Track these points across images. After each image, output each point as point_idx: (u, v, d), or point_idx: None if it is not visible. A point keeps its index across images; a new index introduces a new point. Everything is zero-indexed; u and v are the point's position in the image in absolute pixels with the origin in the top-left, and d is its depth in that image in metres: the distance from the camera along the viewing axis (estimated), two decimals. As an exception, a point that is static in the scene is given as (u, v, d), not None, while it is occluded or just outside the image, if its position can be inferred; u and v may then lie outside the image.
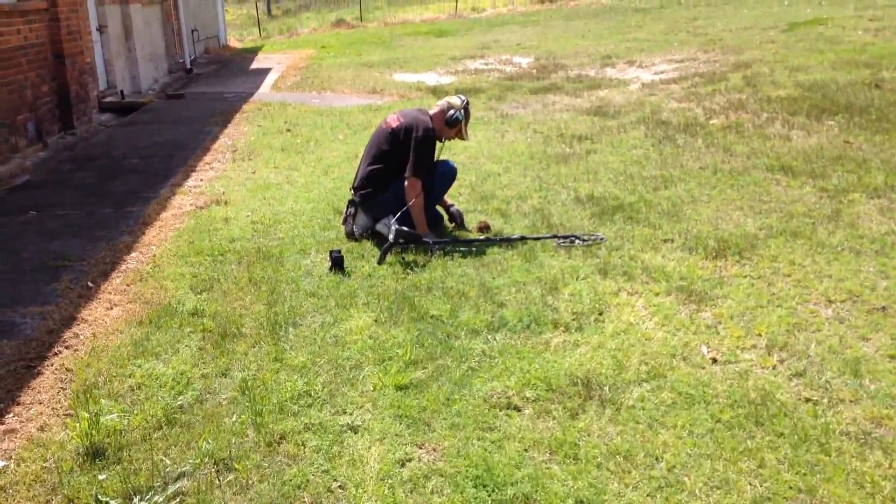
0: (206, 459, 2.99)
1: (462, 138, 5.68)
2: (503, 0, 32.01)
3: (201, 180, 7.28)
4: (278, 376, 3.59)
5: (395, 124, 5.43)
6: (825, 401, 3.26)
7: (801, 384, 3.39)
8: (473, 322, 4.06)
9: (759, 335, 3.82)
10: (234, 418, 3.26)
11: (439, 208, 5.65)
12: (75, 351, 3.92)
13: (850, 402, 3.25)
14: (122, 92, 12.36)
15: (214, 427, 3.19)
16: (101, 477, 2.90)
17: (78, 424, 3.11)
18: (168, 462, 2.99)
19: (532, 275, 4.62)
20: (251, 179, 7.16)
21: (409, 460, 2.98)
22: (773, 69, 11.46)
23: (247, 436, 3.15)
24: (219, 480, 2.89)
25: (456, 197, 5.97)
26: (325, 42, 22.18)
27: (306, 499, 2.80)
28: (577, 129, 8.62)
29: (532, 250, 4.99)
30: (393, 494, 2.79)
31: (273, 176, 7.23)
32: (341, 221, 5.55)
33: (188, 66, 16.72)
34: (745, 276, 4.48)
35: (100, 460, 3.00)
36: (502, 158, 7.43)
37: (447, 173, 5.54)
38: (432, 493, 2.80)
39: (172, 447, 3.07)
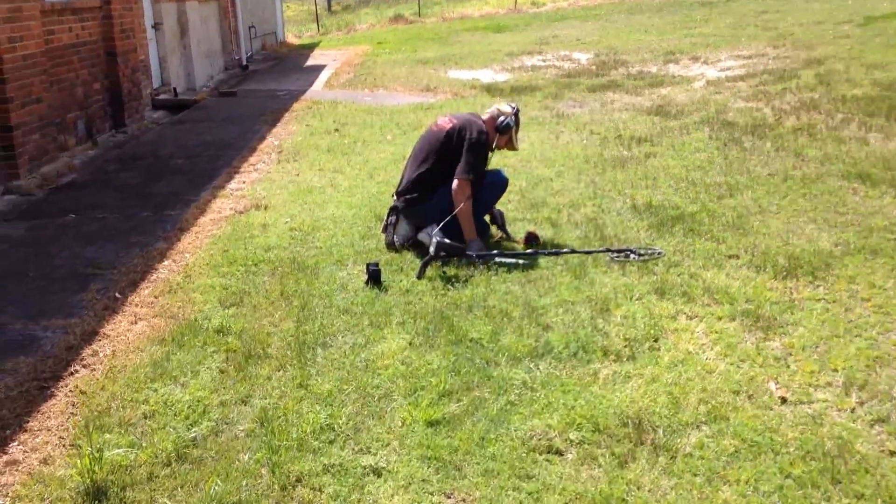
0: None
1: (512, 148, 5.35)
2: (564, -6, 31.40)
3: (244, 182, 7.08)
4: (301, 406, 3.32)
5: (447, 126, 5.14)
6: (914, 454, 2.85)
7: (885, 433, 2.98)
8: (516, 347, 3.72)
9: (835, 370, 3.40)
10: (248, 456, 2.99)
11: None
12: (92, 371, 3.71)
13: (944, 456, 2.84)
14: (174, 89, 12.31)
15: (227, 465, 2.93)
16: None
17: (79, 461, 2.88)
18: (173, 504, 2.74)
19: (582, 293, 4.27)
20: (294, 182, 6.93)
21: (436, 512, 2.67)
22: (848, 66, 10.82)
23: (261, 476, 2.88)
24: (225, 529, 2.62)
25: (504, 204, 5.63)
26: (382, 38, 21.99)
27: (318, 555, 2.51)
28: (636, 129, 8.19)
29: (583, 265, 4.63)
30: (414, 554, 2.49)
31: (316, 179, 6.99)
32: (381, 230, 5.27)
33: (244, 63, 16.69)
34: (819, 300, 4.05)
35: (100, 502, 2.76)
36: (556, 162, 7.06)
37: (497, 183, 5.22)
38: (459, 553, 2.49)
39: (179, 488, 2.82)
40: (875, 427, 3.02)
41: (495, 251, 4.85)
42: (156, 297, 4.54)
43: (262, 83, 14.13)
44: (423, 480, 2.82)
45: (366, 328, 4.02)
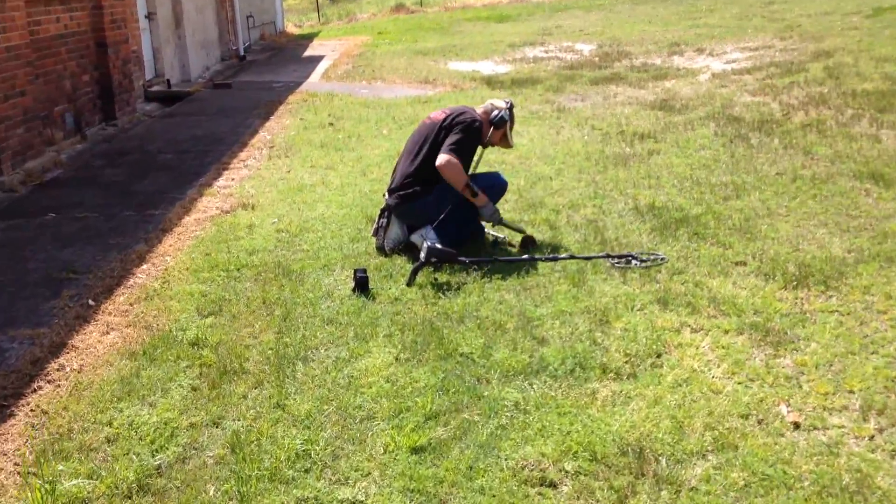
0: (176, 542, 2.51)
1: (507, 145, 5.11)
2: (567, -16, 31.02)
3: (232, 180, 6.84)
4: (276, 429, 3.08)
5: (441, 118, 4.91)
6: (939, 489, 2.61)
7: (908, 464, 2.74)
8: (509, 363, 3.49)
9: (852, 392, 3.16)
10: (215, 488, 2.76)
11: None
12: (57, 387, 3.48)
13: (972, 492, 2.60)
14: (168, 81, 12.05)
15: (191, 497, 2.70)
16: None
17: (30, 494, 2.65)
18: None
19: (580, 303, 4.03)
20: (284, 180, 6.69)
21: (416, 554, 2.45)
22: (857, 59, 10.53)
23: (228, 511, 2.65)
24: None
25: (501, 204, 5.36)
26: (383, 28, 21.69)
27: None
28: (639, 125, 7.93)
29: (582, 272, 4.39)
30: None
31: (307, 176, 6.74)
32: (372, 233, 5.02)
33: (241, 54, 16.41)
34: (833, 312, 3.81)
35: (51, 540, 2.53)
36: (555, 159, 6.81)
37: (496, 187, 4.98)
38: None
39: (138, 525, 2.59)
40: (896, 458, 2.78)
41: (490, 257, 4.60)
42: (131, 305, 4.31)
43: (259, 74, 13.87)
44: (404, 517, 2.59)
45: (350, 341, 3.79)
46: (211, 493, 2.73)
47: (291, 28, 24.47)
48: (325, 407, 3.23)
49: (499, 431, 3.01)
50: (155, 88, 11.64)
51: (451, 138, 4.74)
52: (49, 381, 3.53)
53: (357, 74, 12.93)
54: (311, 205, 5.92)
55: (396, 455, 2.89)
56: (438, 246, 4.45)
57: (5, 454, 3.02)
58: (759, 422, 3.00)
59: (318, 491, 2.71)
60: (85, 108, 9.15)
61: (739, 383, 3.27)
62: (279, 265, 4.73)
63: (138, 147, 8.24)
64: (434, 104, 9.54)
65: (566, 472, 2.77)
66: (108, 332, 3.99)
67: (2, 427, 3.19)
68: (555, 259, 4.55)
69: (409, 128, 8.19)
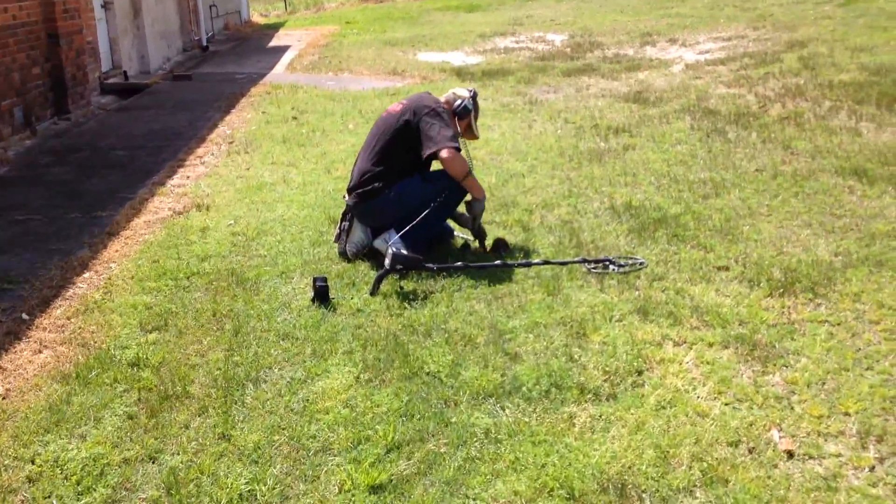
0: None
1: (472, 136, 4.82)
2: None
3: (188, 178, 6.49)
4: (220, 465, 2.78)
5: (399, 109, 4.61)
6: (950, 528, 2.38)
7: (914, 499, 2.50)
8: (479, 383, 3.21)
9: (847, 414, 2.92)
10: (147, 537, 2.46)
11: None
12: (-22, 417, 3.15)
13: None
14: (125, 73, 11.60)
15: (120, 549, 2.40)
16: None
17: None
18: None
19: (555, 314, 3.75)
20: (243, 178, 6.35)
21: None
22: (832, 49, 10.37)
23: (160, 565, 2.35)
24: None
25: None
26: (351, 17, 21.26)
27: None
28: (613, 118, 7.68)
29: (557, 278, 4.12)
30: None
31: (268, 174, 6.41)
32: (334, 238, 4.71)
33: (204, 44, 15.93)
34: (822, 322, 3.57)
35: None
36: (528, 155, 6.53)
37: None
38: None
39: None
40: (900, 491, 2.54)
41: (459, 263, 4.31)
42: (68, 319, 3.96)
43: (221, 66, 13.43)
44: (360, 570, 2.31)
45: (307, 359, 3.49)
46: (142, 544, 2.43)
47: (257, 17, 23.95)
48: (276, 437, 2.93)
49: (467, 465, 2.73)
50: (111, 81, 11.20)
51: (434, 130, 4.41)
52: (-30, 410, 3.19)
53: (323, 65, 12.56)
54: (270, 205, 5.60)
55: (353, 495, 2.60)
56: (404, 252, 4.16)
57: (-88, 499, 2.69)
58: (751, 450, 2.74)
59: (264, 540, 2.42)
60: (35, 101, 8.72)
61: (727, 404, 3.02)
62: (233, 273, 4.41)
63: (90, 143, 7.83)
64: (402, 96, 9.20)
65: (541, 512, 2.50)
66: (40, 351, 3.65)
67: (-88, 466, 2.85)
68: (528, 265, 4.28)
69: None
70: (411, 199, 4.42)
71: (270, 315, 3.90)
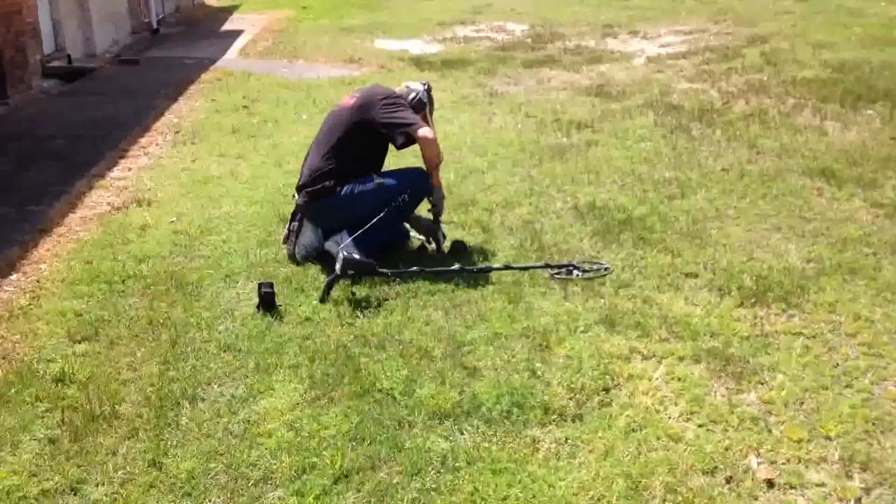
0: None
1: (427, 129, 4.57)
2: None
3: (129, 170, 6.13)
4: (149, 497, 2.51)
5: (352, 101, 4.36)
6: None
7: (902, 535, 2.34)
8: (436, 401, 2.98)
9: (829, 438, 2.75)
10: (60, 588, 2.18)
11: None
12: None
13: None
14: (69, 56, 11.09)
15: None
16: None
17: None
18: None
19: (517, 324, 3.53)
20: (188, 170, 6.01)
21: None
22: (793, 45, 10.29)
23: None
24: None
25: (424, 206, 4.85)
26: (307, 2, 20.76)
27: None
28: (575, 112, 7.47)
29: (518, 284, 3.91)
30: None
31: (215, 166, 6.08)
32: (283, 239, 4.43)
33: (154, 27, 15.37)
34: (797, 335, 3.40)
35: None
36: (487, 150, 6.30)
37: (421, 187, 4.40)
38: None
39: None
40: (888, 527, 2.37)
41: (415, 267, 4.06)
42: (-11, 328, 3.64)
43: (171, 50, 12.95)
44: None
45: (250, 373, 3.22)
46: None
47: (211, 0, 23.30)
48: (213, 465, 2.66)
49: (422, 497, 2.49)
50: (54, 64, 10.68)
51: (400, 116, 4.17)
52: None
53: (277, 51, 12.16)
54: (216, 200, 5.29)
55: (296, 534, 2.35)
56: (356, 256, 3.90)
57: None
58: (728, 479, 2.55)
59: (195, 589, 2.16)
60: (-30, 85, 8.26)
61: (700, 426, 2.83)
62: (173, 276, 4.11)
63: (28, 131, 7.40)
64: (359, 85, 8.90)
65: (503, 553, 2.28)
66: (-45, 365, 3.33)
67: None
68: (489, 270, 4.05)
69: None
70: (366, 199, 4.16)
71: (211, 324, 3.62)
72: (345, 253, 3.89)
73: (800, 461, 2.64)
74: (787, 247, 4.25)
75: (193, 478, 2.60)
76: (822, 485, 2.53)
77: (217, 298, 3.88)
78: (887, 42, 9.87)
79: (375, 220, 4.08)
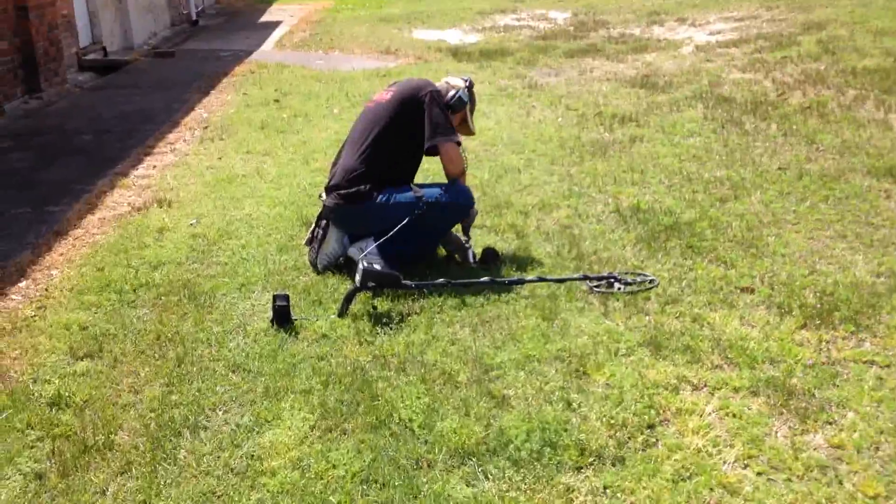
0: None
1: (468, 132, 4.25)
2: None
3: (154, 167, 5.93)
4: (135, 548, 2.25)
5: (388, 96, 4.07)
6: None
7: None
8: (458, 437, 2.67)
9: (910, 492, 2.39)
10: None
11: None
12: None
13: None
14: (104, 49, 10.98)
15: None
16: None
17: None
18: None
19: (551, 345, 3.21)
20: (213, 168, 5.79)
21: None
22: (852, 32, 9.75)
23: None
24: None
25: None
26: (347, -9, 20.55)
27: None
28: (619, 105, 7.10)
29: (553, 298, 3.58)
30: None
31: (241, 164, 5.85)
32: (305, 242, 4.16)
33: (194, 18, 15.29)
34: (868, 362, 3.03)
35: None
36: (525, 146, 5.96)
37: (459, 207, 4.06)
38: None
39: None
40: None
41: (441, 279, 3.74)
42: (-11, 342, 3.43)
43: (208, 42, 12.81)
44: None
45: (258, 398, 2.95)
46: None
47: (252, -10, 23.20)
48: (209, 509, 2.40)
49: (438, 556, 2.20)
50: (90, 57, 10.58)
51: (436, 120, 3.89)
52: None
53: (314, 43, 11.94)
54: (238, 201, 5.04)
55: None
56: (377, 267, 3.60)
57: None
58: (792, 542, 2.21)
59: None
60: (3, 80, 8.15)
61: (760, 474, 2.48)
62: (186, 285, 3.87)
63: (56, 126, 7.26)
64: (394, 77, 8.62)
65: None
66: (-53, 384, 3.12)
67: None
68: (521, 282, 3.73)
69: (363, 106, 7.30)
70: (400, 210, 3.84)
71: (222, 340, 3.36)
72: (365, 263, 3.59)
73: (876, 522, 2.29)
74: (853, 258, 3.86)
75: (186, 524, 2.34)
76: (904, 552, 2.18)
77: (230, 310, 3.62)
78: (955, 28, 9.27)
79: (400, 225, 3.78)
